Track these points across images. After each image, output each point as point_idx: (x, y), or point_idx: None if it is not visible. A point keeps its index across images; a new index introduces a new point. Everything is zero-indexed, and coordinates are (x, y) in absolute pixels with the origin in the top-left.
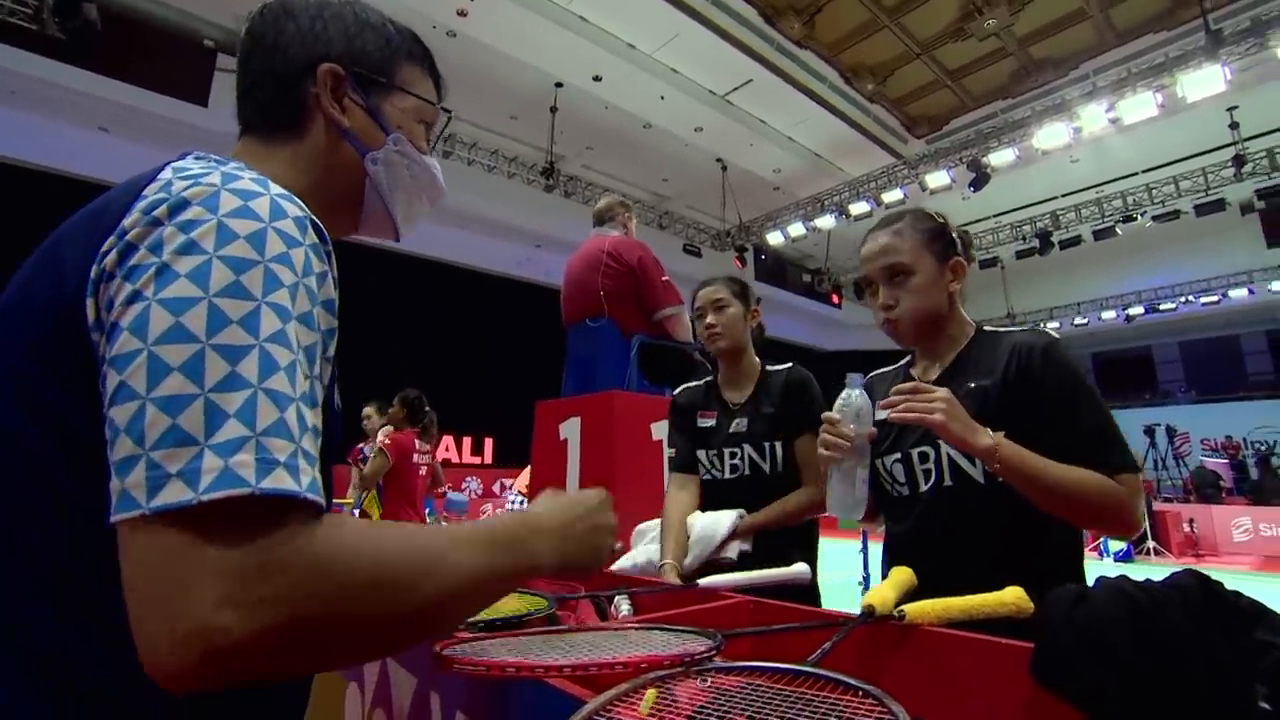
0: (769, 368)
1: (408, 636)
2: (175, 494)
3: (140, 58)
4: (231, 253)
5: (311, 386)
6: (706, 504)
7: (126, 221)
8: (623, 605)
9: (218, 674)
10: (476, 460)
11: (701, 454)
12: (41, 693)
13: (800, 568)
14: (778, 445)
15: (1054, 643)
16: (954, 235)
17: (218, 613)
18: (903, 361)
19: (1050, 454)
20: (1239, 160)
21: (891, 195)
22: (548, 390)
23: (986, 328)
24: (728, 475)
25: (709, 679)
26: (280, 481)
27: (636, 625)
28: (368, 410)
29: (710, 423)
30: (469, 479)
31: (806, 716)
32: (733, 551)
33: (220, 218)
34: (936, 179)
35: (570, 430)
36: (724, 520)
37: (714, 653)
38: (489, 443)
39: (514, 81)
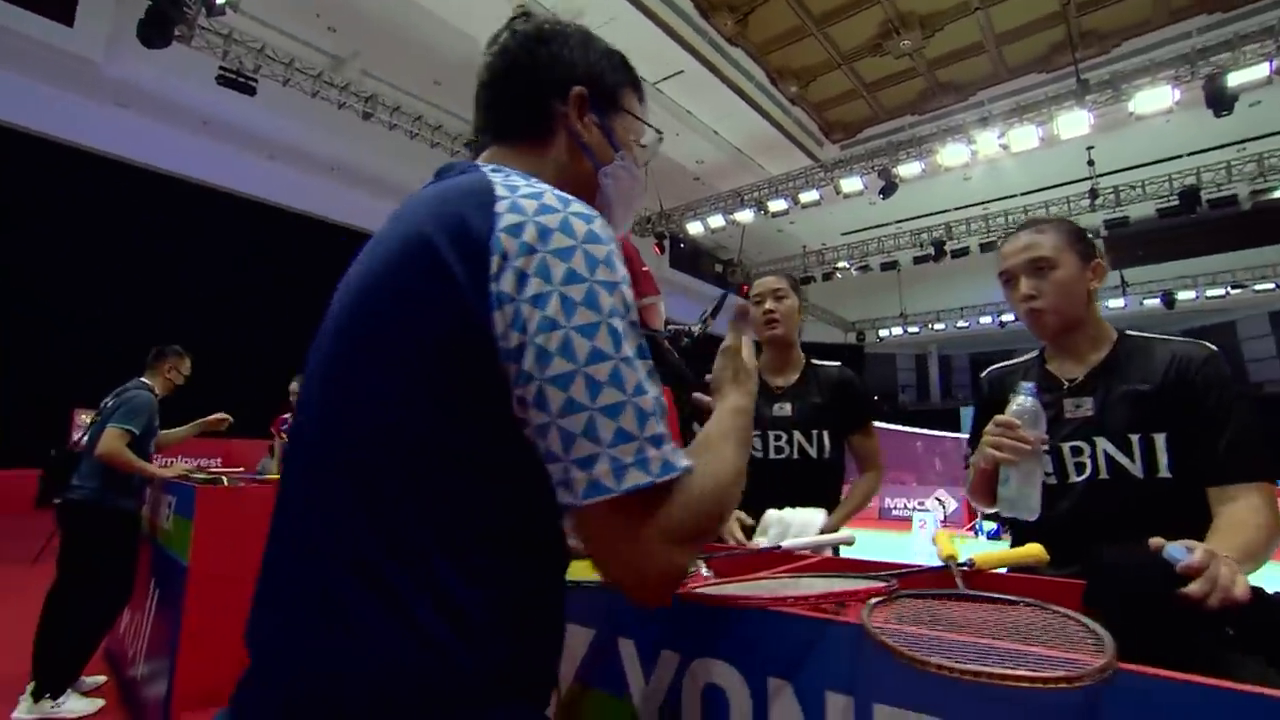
0: (815, 361)
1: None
2: (636, 478)
3: None
4: (601, 278)
5: None
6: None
7: (504, 245)
8: (702, 567)
9: (672, 594)
10: None
11: None
12: (459, 628)
13: (848, 533)
14: (824, 435)
15: (1108, 579)
16: (1091, 240)
17: (676, 555)
18: (1028, 356)
19: (1200, 458)
20: (1093, 193)
21: (808, 195)
22: None
23: (1130, 332)
24: (772, 455)
25: (920, 603)
26: (682, 460)
27: (808, 574)
28: (294, 386)
29: None
30: None
31: (1001, 616)
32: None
33: (581, 245)
34: (850, 184)
35: None
36: (815, 520)
37: (897, 586)
38: None
39: (440, 45)
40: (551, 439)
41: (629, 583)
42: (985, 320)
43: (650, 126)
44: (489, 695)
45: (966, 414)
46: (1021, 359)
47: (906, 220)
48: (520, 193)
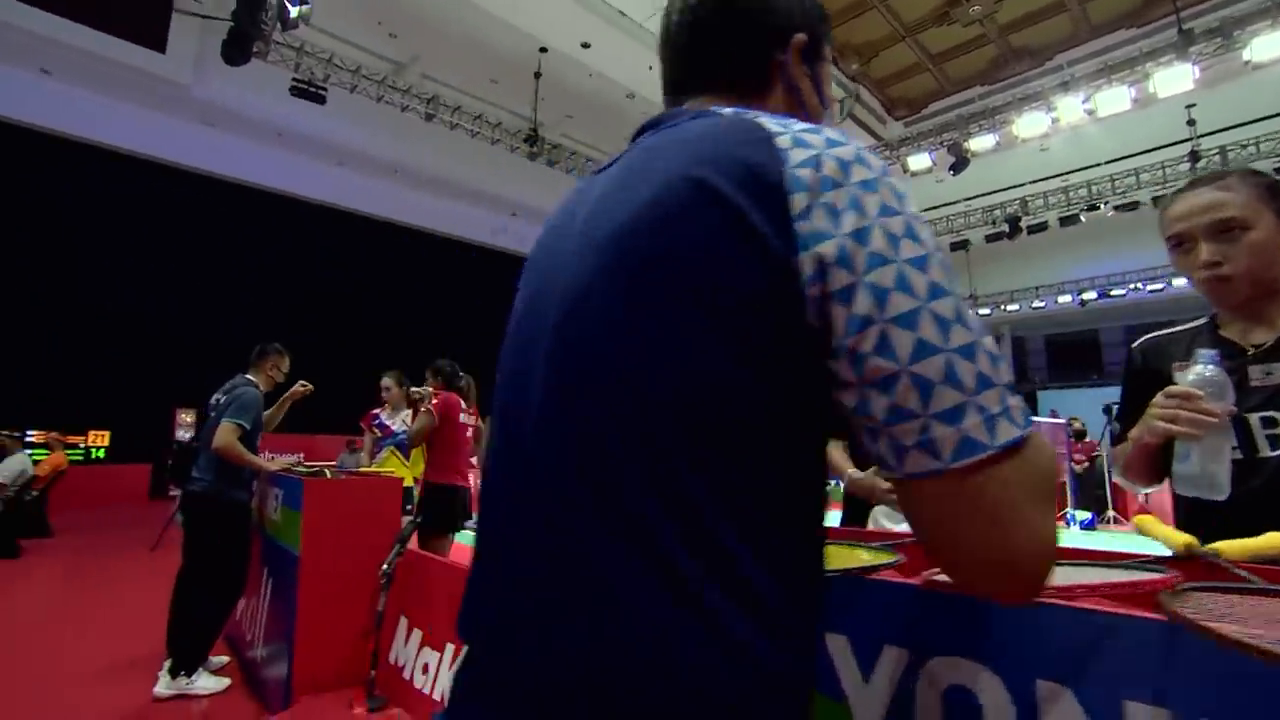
0: None
1: None
2: (1008, 431)
3: None
4: (911, 210)
5: None
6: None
7: (807, 181)
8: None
9: (1048, 574)
10: None
11: None
12: (750, 612)
13: None
14: None
15: None
16: None
17: (1049, 524)
18: (1198, 322)
19: None
20: (1194, 156)
21: None
22: None
23: None
24: None
25: (1221, 598)
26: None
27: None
28: (387, 381)
29: None
30: None
31: None
32: None
33: (881, 177)
34: (918, 160)
35: None
36: None
37: (1181, 577)
38: None
39: (498, 43)
40: (902, 391)
41: (1003, 563)
42: (1064, 299)
43: (841, 81)
44: (794, 699)
45: (1045, 398)
46: (1184, 326)
47: (977, 197)
48: (796, 128)
